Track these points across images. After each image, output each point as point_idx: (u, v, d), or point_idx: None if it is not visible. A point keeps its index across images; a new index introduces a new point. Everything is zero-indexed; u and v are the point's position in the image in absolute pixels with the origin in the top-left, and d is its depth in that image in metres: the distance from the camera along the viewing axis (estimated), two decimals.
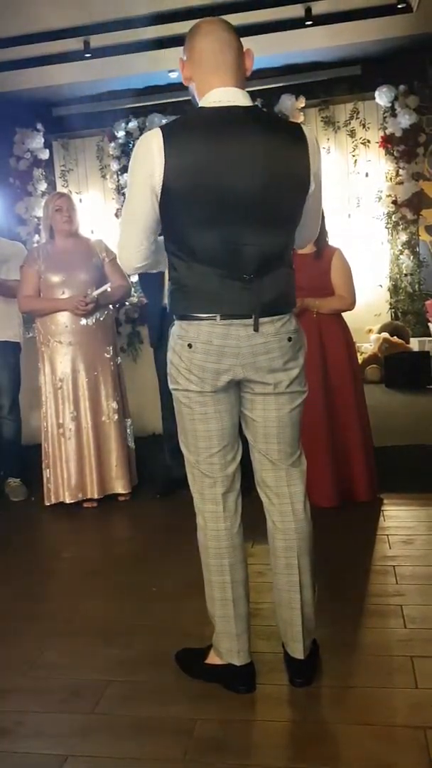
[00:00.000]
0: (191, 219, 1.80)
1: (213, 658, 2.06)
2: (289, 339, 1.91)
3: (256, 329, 1.85)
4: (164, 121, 7.28)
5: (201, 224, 1.80)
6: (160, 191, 1.78)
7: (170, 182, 1.76)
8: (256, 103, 1.96)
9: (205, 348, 1.86)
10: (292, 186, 1.84)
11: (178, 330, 1.91)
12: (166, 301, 3.68)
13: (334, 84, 6.98)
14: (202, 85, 1.87)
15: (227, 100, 1.82)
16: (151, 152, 1.77)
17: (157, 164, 1.76)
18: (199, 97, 1.89)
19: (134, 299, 5.04)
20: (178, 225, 1.83)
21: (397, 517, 3.31)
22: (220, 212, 1.79)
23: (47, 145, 7.63)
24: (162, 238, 1.93)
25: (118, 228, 1.93)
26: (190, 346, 1.87)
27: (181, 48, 1.95)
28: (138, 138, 7.07)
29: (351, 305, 3.52)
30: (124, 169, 7.48)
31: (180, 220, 1.81)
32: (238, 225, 1.80)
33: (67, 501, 3.73)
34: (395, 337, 6.59)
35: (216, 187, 1.76)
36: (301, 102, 6.94)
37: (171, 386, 1.96)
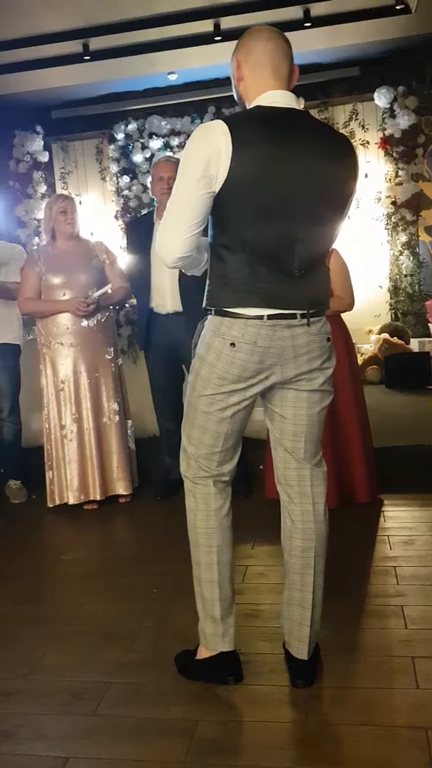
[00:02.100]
0: (248, 212, 1.80)
1: (201, 652, 2.08)
2: (328, 339, 1.97)
3: (308, 324, 1.88)
4: (164, 123, 7.30)
5: (257, 218, 1.81)
6: (222, 181, 1.77)
7: (235, 175, 1.76)
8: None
9: (250, 348, 1.85)
10: (342, 190, 1.90)
11: (218, 327, 1.87)
12: (152, 304, 3.72)
13: (333, 85, 6.98)
14: (256, 86, 1.89)
15: (285, 102, 1.87)
16: (217, 141, 1.76)
17: (224, 153, 1.75)
18: (248, 99, 1.91)
19: (134, 301, 5.03)
20: (233, 217, 1.82)
21: (398, 518, 3.31)
22: (279, 208, 1.81)
23: (46, 147, 7.64)
24: (204, 237, 1.91)
25: (164, 218, 1.87)
26: (233, 345, 1.85)
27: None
28: (138, 140, 7.02)
29: (350, 306, 3.52)
30: (123, 171, 7.48)
31: (237, 212, 1.81)
32: (294, 222, 1.82)
33: (71, 502, 3.73)
34: (395, 337, 6.58)
35: (278, 183, 1.79)
36: (300, 103, 6.93)
37: (198, 381, 1.93)
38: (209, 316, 1.92)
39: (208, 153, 1.76)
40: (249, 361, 1.87)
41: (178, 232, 1.83)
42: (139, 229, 3.84)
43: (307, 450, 2.00)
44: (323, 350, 1.95)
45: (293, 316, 1.87)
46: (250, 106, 1.90)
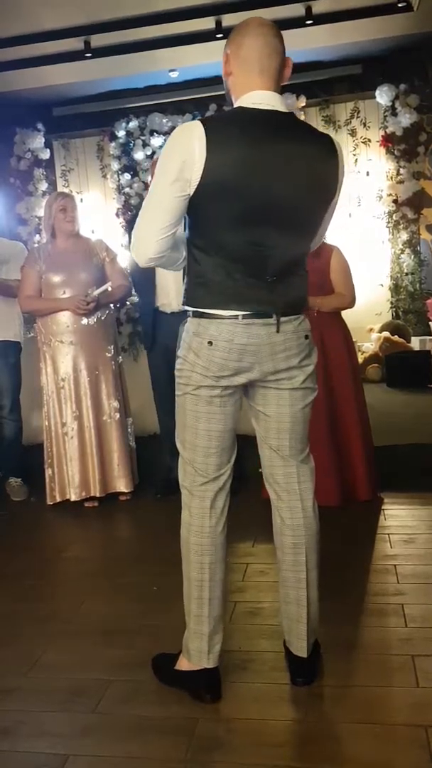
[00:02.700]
0: (223, 216, 1.80)
1: (181, 663, 2.04)
2: (306, 337, 1.95)
3: (278, 330, 1.87)
4: (165, 121, 7.30)
5: (232, 222, 1.80)
6: (196, 184, 1.76)
7: (209, 177, 1.75)
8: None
9: (227, 346, 1.86)
10: (321, 196, 1.89)
11: (196, 327, 1.89)
12: (157, 303, 3.71)
13: (335, 83, 6.98)
14: (243, 84, 1.87)
15: (267, 103, 1.84)
16: (191, 144, 1.75)
17: (198, 157, 1.74)
18: (235, 95, 1.90)
19: (135, 299, 5.04)
20: (208, 220, 1.82)
21: (398, 516, 3.31)
22: (253, 213, 1.80)
23: (48, 144, 7.63)
24: (182, 233, 1.91)
25: (139, 216, 1.88)
26: (210, 343, 1.86)
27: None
28: (139, 138, 7.00)
29: (351, 303, 3.52)
30: (124, 169, 7.48)
31: (211, 215, 1.81)
32: (267, 228, 1.82)
33: (72, 499, 3.73)
34: (396, 336, 6.58)
35: (252, 188, 1.77)
36: (302, 101, 6.94)
37: (181, 381, 1.94)
38: (188, 318, 1.93)
39: (182, 155, 1.76)
40: (227, 359, 1.87)
41: (151, 233, 1.84)
42: None
43: (291, 447, 2.00)
44: (301, 348, 1.93)
45: (268, 315, 1.87)
46: (236, 104, 1.88)
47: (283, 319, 1.88)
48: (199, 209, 1.81)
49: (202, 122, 1.78)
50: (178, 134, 1.80)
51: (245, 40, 1.86)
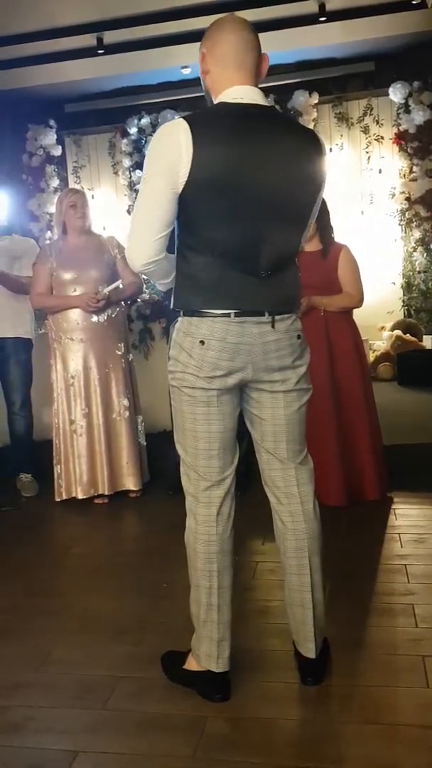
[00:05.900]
0: (214, 213, 1.79)
1: (190, 663, 2.04)
2: (299, 336, 1.94)
3: (273, 326, 1.86)
4: (177, 117, 7.28)
5: (223, 218, 1.79)
6: (184, 182, 1.75)
7: (197, 174, 1.74)
8: (270, 101, 1.95)
9: (220, 345, 1.84)
10: (309, 187, 1.89)
11: (187, 326, 1.88)
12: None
13: (348, 80, 6.95)
14: (221, 80, 1.87)
15: (249, 98, 1.84)
16: (177, 143, 1.74)
17: (185, 155, 1.73)
18: (214, 92, 1.89)
19: (146, 296, 5.04)
20: (198, 218, 1.81)
21: (409, 516, 3.30)
22: (244, 208, 1.79)
23: (60, 141, 7.65)
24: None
25: (132, 219, 1.88)
26: (202, 342, 1.85)
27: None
28: (151, 134, 6.99)
29: (359, 302, 3.49)
30: (136, 166, 7.47)
31: (202, 213, 1.80)
32: (260, 222, 1.81)
33: (79, 497, 3.74)
34: (408, 334, 6.55)
35: (242, 182, 1.77)
36: (315, 98, 6.91)
37: (174, 383, 1.92)
38: (179, 318, 1.91)
39: (169, 152, 1.75)
40: (220, 358, 1.85)
41: (145, 235, 1.83)
42: None
43: (289, 449, 1.97)
44: (293, 348, 1.92)
45: (261, 314, 1.86)
46: (216, 101, 1.88)
47: (276, 317, 1.87)
48: (189, 207, 1.80)
49: (186, 119, 1.78)
50: (163, 131, 1.79)
51: (221, 36, 1.86)
